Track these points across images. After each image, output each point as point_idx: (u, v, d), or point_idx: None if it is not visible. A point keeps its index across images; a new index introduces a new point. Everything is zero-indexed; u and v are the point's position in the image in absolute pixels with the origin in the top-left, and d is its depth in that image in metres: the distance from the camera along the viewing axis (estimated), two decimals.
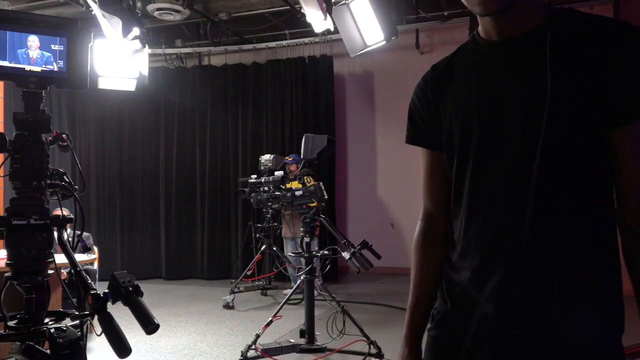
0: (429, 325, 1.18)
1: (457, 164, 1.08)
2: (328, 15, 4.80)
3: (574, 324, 0.98)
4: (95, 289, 1.61)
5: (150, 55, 6.54)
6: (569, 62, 0.95)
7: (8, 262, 1.71)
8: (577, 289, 0.98)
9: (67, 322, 1.75)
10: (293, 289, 4.17)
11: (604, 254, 1.00)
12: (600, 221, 0.99)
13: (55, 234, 1.79)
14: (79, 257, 2.53)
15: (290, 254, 5.73)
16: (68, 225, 1.82)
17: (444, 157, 1.12)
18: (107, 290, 1.62)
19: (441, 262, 1.18)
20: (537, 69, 0.96)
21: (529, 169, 0.95)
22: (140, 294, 1.63)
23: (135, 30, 4.69)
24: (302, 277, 3.90)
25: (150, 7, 5.93)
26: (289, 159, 6.29)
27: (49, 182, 1.77)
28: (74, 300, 1.86)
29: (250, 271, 6.09)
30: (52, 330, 1.63)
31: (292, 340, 3.78)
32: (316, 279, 4.05)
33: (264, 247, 5.99)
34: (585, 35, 0.96)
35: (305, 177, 5.28)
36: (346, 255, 3.55)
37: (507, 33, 1.02)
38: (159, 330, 1.63)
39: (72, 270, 1.71)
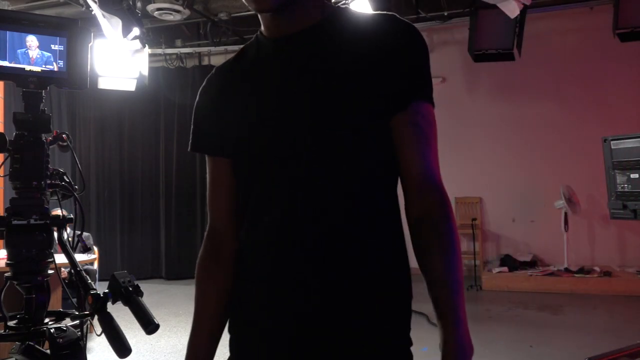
0: None
1: (246, 169, 1.03)
2: None
3: (347, 325, 0.93)
4: (95, 289, 1.61)
5: (150, 55, 6.54)
6: (338, 57, 0.95)
7: (8, 262, 1.71)
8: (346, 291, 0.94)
9: (67, 322, 1.75)
10: None
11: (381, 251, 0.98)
12: (378, 220, 0.97)
13: (55, 234, 1.79)
14: (79, 257, 2.53)
15: None
16: (68, 225, 1.82)
17: (232, 164, 1.06)
18: (107, 290, 1.62)
19: None
20: (307, 66, 0.97)
21: (300, 172, 0.94)
22: (140, 294, 1.63)
23: (135, 30, 4.70)
24: None
25: (150, 7, 5.93)
26: None
27: (49, 182, 1.77)
28: (74, 300, 1.86)
29: None
30: (52, 330, 1.63)
31: None
32: None
33: None
34: (356, 29, 0.97)
35: None
36: None
37: (285, 31, 1.01)
38: (159, 330, 1.63)
39: (72, 270, 1.71)
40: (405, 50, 0.95)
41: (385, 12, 1.01)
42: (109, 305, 1.61)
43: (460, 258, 0.96)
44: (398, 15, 0.99)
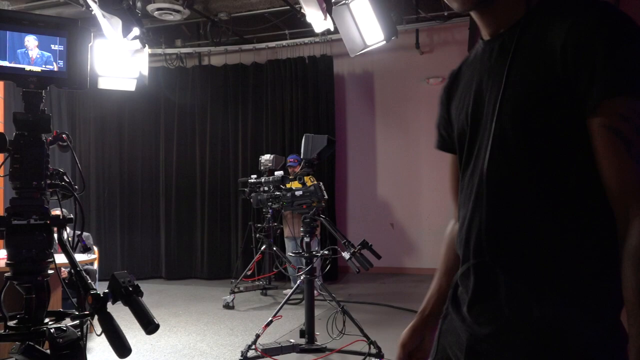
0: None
1: (459, 165, 1.10)
2: (328, 15, 4.80)
3: (541, 316, 0.91)
4: (95, 289, 1.61)
5: (150, 55, 6.54)
6: (530, 57, 0.92)
7: (8, 262, 1.71)
8: (539, 286, 0.91)
9: (67, 322, 1.75)
10: (293, 289, 4.17)
11: (576, 253, 0.90)
12: (568, 222, 0.90)
13: (55, 234, 1.79)
14: (79, 257, 2.53)
15: (291, 254, 5.73)
16: (68, 225, 1.82)
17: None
18: (107, 290, 1.62)
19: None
20: (503, 67, 0.95)
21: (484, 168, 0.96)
22: (140, 294, 1.63)
23: (135, 30, 4.69)
24: (302, 277, 3.90)
25: (150, 7, 5.93)
26: (290, 160, 6.28)
27: (49, 182, 1.77)
28: (74, 300, 1.86)
29: (250, 271, 6.09)
30: (52, 330, 1.63)
31: (292, 340, 3.78)
32: (316, 279, 4.05)
33: (264, 247, 5.99)
34: (553, 23, 0.90)
35: (305, 177, 5.28)
36: (346, 255, 3.55)
37: (493, 30, 1.01)
38: (159, 330, 1.63)
39: (72, 270, 1.71)
40: (590, 40, 0.84)
41: (589, 1, 0.89)
42: (109, 305, 1.61)
43: None
44: (598, 4, 0.87)
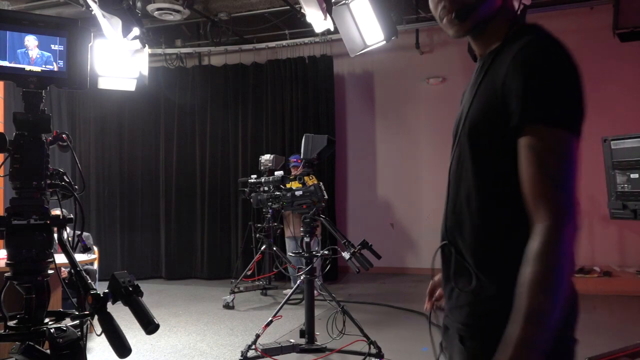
0: None
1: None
2: (328, 15, 4.80)
3: (467, 299, 1.10)
4: (95, 289, 1.61)
5: (150, 55, 6.54)
6: (487, 83, 1.09)
7: (8, 262, 1.71)
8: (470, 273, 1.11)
9: (67, 322, 1.75)
10: (293, 289, 4.17)
11: (503, 247, 1.07)
12: (499, 219, 1.08)
13: (55, 234, 1.79)
14: (79, 257, 2.53)
15: (291, 254, 5.73)
16: (68, 225, 1.82)
17: None
18: (107, 290, 1.62)
19: None
20: (474, 87, 1.14)
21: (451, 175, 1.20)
22: (140, 294, 1.63)
23: (135, 30, 4.69)
24: (302, 277, 3.90)
25: (150, 7, 5.93)
26: (293, 160, 6.28)
27: (49, 182, 1.77)
28: (74, 300, 1.86)
29: (250, 271, 6.09)
30: (52, 330, 1.63)
31: (292, 340, 3.78)
32: (316, 279, 4.04)
33: (264, 247, 5.99)
34: (508, 54, 1.06)
35: (305, 177, 5.28)
36: (346, 255, 3.55)
37: (481, 52, 1.21)
38: (159, 330, 1.63)
39: (72, 270, 1.71)
40: (515, 72, 1.02)
41: (535, 37, 1.07)
42: (109, 305, 1.61)
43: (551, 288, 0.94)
44: (545, 38, 1.05)
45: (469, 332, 1.09)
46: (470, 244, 1.11)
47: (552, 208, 0.96)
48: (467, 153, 1.11)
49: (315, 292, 4.12)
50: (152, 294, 6.45)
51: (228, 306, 5.63)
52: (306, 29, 7.09)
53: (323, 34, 6.54)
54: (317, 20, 4.78)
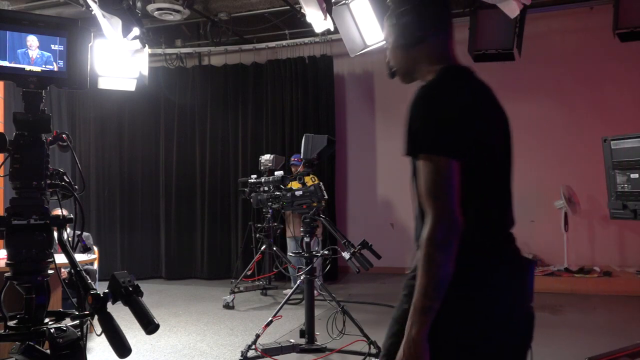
0: None
1: None
2: (328, 15, 4.80)
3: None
4: (95, 289, 1.61)
5: (150, 55, 6.54)
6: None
7: (8, 262, 1.71)
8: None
9: (67, 322, 1.75)
10: (293, 289, 4.17)
11: None
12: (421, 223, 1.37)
13: (55, 234, 1.79)
14: (79, 257, 2.53)
15: (291, 254, 5.73)
16: (68, 225, 1.82)
17: None
18: (107, 290, 1.62)
19: None
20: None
21: None
22: (140, 294, 1.63)
23: (135, 30, 4.69)
24: (302, 277, 3.90)
25: (150, 7, 5.93)
26: (294, 159, 6.28)
27: (49, 182, 1.77)
28: (74, 300, 1.86)
29: (250, 271, 6.09)
30: (52, 330, 1.63)
31: (292, 340, 3.78)
32: (316, 279, 4.04)
33: (264, 247, 5.99)
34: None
35: (306, 177, 5.28)
36: (346, 255, 3.55)
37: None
38: (159, 330, 1.63)
39: (72, 270, 1.71)
40: (408, 114, 1.35)
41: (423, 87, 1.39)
42: (109, 305, 1.61)
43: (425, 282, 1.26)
44: (420, 91, 1.35)
45: (407, 294, 1.40)
46: (418, 215, 1.45)
47: (431, 212, 1.27)
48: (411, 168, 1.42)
49: (315, 292, 4.12)
50: (152, 294, 6.45)
51: (228, 306, 5.63)
52: (306, 29, 7.08)
53: (323, 34, 6.54)
54: (317, 20, 4.78)
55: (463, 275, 1.25)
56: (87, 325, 1.77)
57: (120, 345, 1.55)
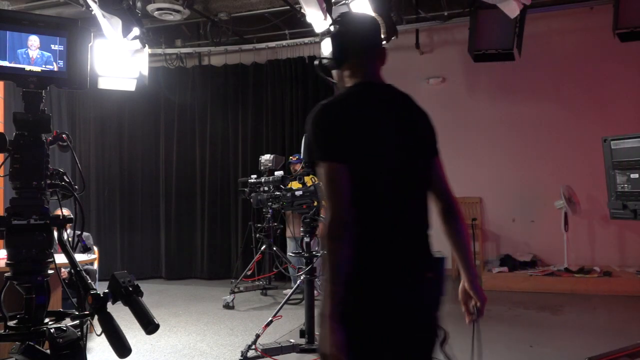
0: None
1: None
2: (328, 15, 4.80)
3: None
4: (95, 289, 1.61)
5: (150, 55, 6.54)
6: None
7: (8, 262, 1.71)
8: None
9: (67, 322, 1.75)
10: (293, 289, 4.17)
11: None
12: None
13: (55, 234, 1.79)
14: (79, 257, 2.53)
15: (291, 254, 5.73)
16: (68, 225, 1.82)
17: None
18: (107, 290, 1.62)
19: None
20: None
21: None
22: (140, 294, 1.63)
23: (135, 30, 4.69)
24: (302, 277, 3.90)
25: (150, 7, 5.93)
26: (293, 158, 6.29)
27: (49, 182, 1.77)
28: (74, 300, 1.86)
29: (250, 271, 6.09)
30: (52, 330, 1.63)
31: (292, 340, 3.78)
32: (316, 279, 4.04)
33: (264, 247, 5.99)
34: None
35: (306, 177, 5.28)
36: None
37: None
38: (159, 330, 1.63)
39: (72, 270, 1.71)
40: None
41: None
42: (109, 305, 1.61)
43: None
44: (319, 105, 1.57)
45: None
46: None
47: (328, 210, 1.44)
48: None
49: (316, 292, 4.12)
50: (152, 294, 6.45)
51: (228, 306, 5.63)
52: (306, 29, 7.08)
53: (323, 34, 6.54)
54: (317, 20, 4.78)
55: (355, 266, 1.42)
56: (87, 325, 1.77)
57: (120, 345, 1.55)
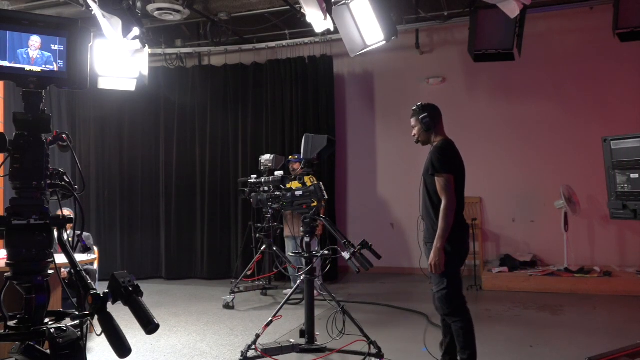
0: None
1: None
2: (328, 15, 4.80)
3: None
4: (95, 289, 1.61)
5: (150, 55, 6.54)
6: (429, 154, 3.36)
7: (8, 262, 1.71)
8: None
9: (67, 322, 1.75)
10: (293, 289, 4.16)
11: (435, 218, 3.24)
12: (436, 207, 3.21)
13: (56, 234, 1.79)
14: (79, 257, 2.53)
15: (291, 254, 5.73)
16: (68, 225, 1.82)
17: None
18: (107, 290, 1.62)
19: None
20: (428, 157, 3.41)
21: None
22: (140, 294, 1.63)
23: (135, 30, 4.69)
24: (302, 277, 3.90)
25: (150, 7, 5.93)
26: (293, 158, 6.29)
27: (49, 182, 1.77)
28: (74, 300, 1.86)
29: (250, 271, 6.09)
30: (52, 330, 1.63)
31: (292, 340, 3.78)
32: (316, 279, 4.04)
33: (264, 247, 5.99)
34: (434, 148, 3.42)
35: (306, 177, 5.27)
36: (346, 255, 3.55)
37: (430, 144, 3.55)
38: (159, 330, 1.63)
39: (72, 270, 1.71)
40: (431, 154, 3.35)
41: None
42: (109, 305, 1.61)
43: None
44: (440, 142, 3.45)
45: (428, 241, 3.24)
46: (426, 215, 3.30)
47: (444, 198, 3.14)
48: (423, 183, 3.31)
49: (315, 292, 4.12)
50: (152, 294, 6.45)
51: (228, 306, 5.63)
52: (306, 29, 7.09)
53: (323, 34, 6.54)
54: (317, 20, 4.78)
55: (454, 224, 3.13)
56: (87, 325, 1.77)
57: (120, 345, 1.55)
